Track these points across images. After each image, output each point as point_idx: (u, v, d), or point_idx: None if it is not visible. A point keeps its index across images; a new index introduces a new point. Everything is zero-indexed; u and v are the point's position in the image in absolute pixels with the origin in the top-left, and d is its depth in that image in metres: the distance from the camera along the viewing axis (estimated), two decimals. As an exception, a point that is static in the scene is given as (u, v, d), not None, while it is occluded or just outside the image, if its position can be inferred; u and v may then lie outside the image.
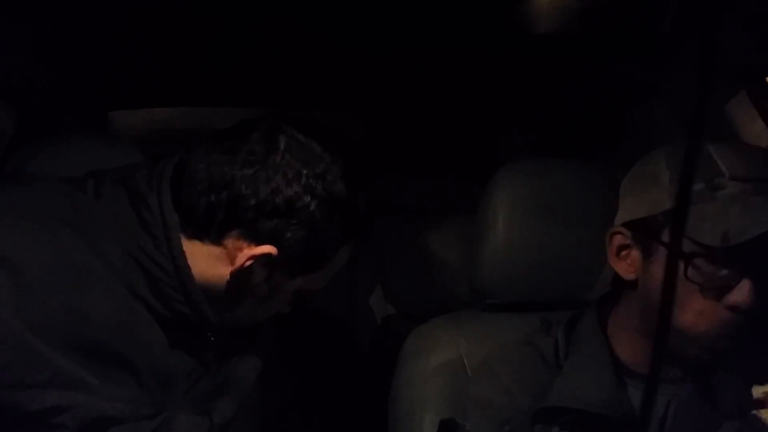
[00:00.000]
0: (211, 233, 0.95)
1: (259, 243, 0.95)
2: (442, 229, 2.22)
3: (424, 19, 1.37)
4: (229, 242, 0.95)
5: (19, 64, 1.38)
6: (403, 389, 1.26)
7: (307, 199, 0.94)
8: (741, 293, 0.95)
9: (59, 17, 1.27)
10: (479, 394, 1.12)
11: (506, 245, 1.26)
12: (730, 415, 1.03)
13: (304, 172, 0.94)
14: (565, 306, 1.20)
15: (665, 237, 1.00)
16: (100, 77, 1.59)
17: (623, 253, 1.06)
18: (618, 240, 1.06)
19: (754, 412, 0.99)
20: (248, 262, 0.95)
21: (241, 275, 0.96)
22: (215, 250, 0.96)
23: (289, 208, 0.94)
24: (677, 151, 1.03)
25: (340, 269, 1.06)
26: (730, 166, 0.98)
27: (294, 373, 1.20)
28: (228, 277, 0.96)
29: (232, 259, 0.96)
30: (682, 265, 0.96)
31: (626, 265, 1.06)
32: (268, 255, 0.95)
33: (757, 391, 0.99)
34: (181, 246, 0.94)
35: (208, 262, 0.96)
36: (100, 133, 1.64)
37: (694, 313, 0.97)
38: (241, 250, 0.95)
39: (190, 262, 0.95)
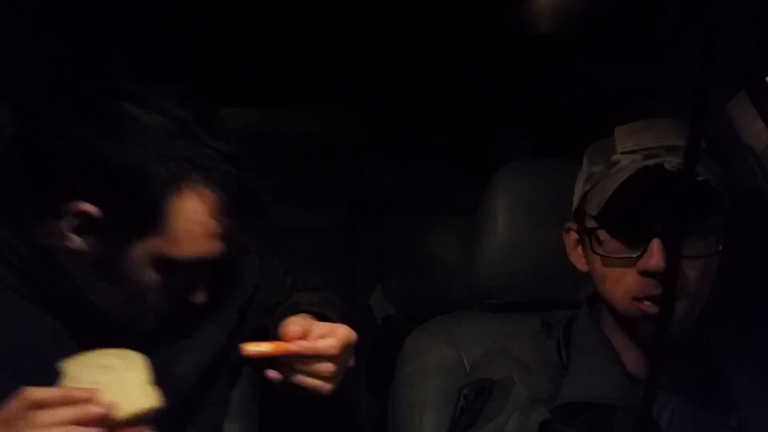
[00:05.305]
0: (43, 208, 0.92)
1: (76, 200, 0.90)
2: (442, 229, 2.22)
3: (424, 18, 1.37)
4: (52, 212, 0.91)
5: (19, 64, 1.38)
6: (403, 389, 1.26)
7: (98, 147, 0.89)
8: (649, 257, 0.96)
9: (59, 17, 1.27)
10: (497, 370, 1.09)
11: (505, 245, 1.26)
12: (729, 420, 1.03)
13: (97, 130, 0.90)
14: (565, 306, 1.20)
15: (588, 222, 1.03)
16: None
17: (578, 247, 1.09)
18: (572, 236, 1.10)
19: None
20: (72, 222, 0.91)
21: (71, 243, 0.92)
22: (53, 225, 0.92)
23: (86, 160, 0.89)
24: (597, 143, 1.08)
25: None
26: (621, 141, 1.01)
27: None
28: (64, 247, 0.92)
29: (58, 231, 0.92)
30: (587, 240, 1.03)
31: (579, 258, 1.09)
32: (86, 214, 0.90)
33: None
34: (24, 230, 0.93)
35: (55, 237, 0.93)
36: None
37: (612, 282, 1.01)
38: (61, 215, 0.91)
39: (50, 244, 0.93)
